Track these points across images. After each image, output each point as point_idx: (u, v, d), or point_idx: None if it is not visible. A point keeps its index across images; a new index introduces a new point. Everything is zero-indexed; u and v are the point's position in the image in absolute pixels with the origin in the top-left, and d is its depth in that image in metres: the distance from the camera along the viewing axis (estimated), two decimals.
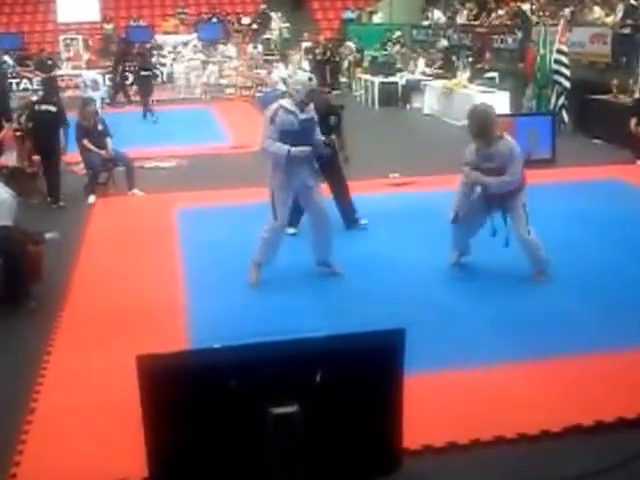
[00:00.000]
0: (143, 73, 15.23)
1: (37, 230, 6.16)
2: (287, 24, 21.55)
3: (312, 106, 5.79)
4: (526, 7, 16.90)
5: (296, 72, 17.53)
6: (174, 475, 2.28)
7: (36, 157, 8.73)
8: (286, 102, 5.72)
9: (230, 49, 19.50)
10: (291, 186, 5.73)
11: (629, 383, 4.25)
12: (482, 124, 5.54)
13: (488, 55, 13.48)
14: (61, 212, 8.39)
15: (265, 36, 20.19)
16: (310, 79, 5.81)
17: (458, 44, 18.37)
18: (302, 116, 5.63)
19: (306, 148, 5.60)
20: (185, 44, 19.72)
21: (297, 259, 6.44)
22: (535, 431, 3.81)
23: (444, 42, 17.47)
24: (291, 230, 6.97)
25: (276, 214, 5.75)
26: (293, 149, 5.55)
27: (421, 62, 16.12)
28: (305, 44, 19.19)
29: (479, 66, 15.72)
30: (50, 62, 16.40)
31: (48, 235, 6.08)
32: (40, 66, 16.21)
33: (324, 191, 7.07)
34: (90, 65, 15.73)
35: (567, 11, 15.87)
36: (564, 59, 12.45)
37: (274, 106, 5.69)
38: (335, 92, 17.80)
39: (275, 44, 19.86)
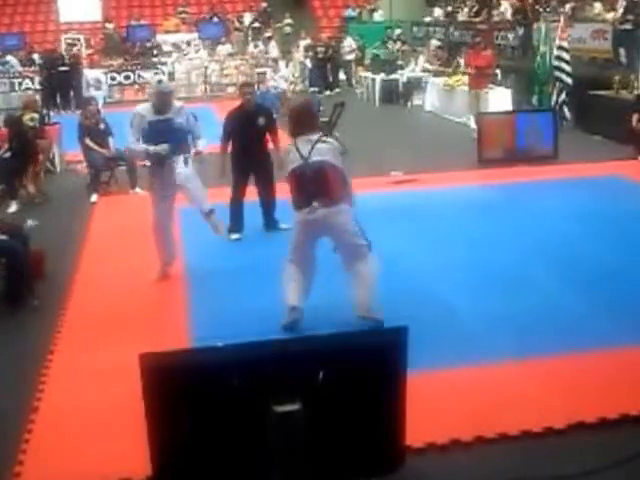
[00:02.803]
0: None
1: (41, 230, 6.28)
2: (290, 20, 21.56)
3: (170, 109, 6.05)
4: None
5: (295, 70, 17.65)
6: (177, 472, 2.30)
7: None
8: (143, 107, 6.13)
9: (231, 48, 19.52)
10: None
11: (632, 380, 4.26)
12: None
13: (489, 51, 13.46)
14: (64, 210, 8.39)
15: (266, 34, 20.19)
16: (159, 82, 6.28)
17: (459, 41, 18.38)
18: (153, 118, 5.95)
19: (164, 146, 5.88)
20: (186, 43, 19.74)
21: None
22: (538, 428, 3.81)
23: (435, 42, 17.45)
24: (235, 236, 7.17)
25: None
26: (151, 147, 5.91)
27: (422, 59, 16.12)
28: (303, 42, 19.18)
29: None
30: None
31: (28, 223, 6.22)
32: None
33: (251, 192, 7.31)
34: (92, 64, 15.76)
35: (567, 7, 15.89)
36: (565, 55, 12.43)
37: (133, 112, 6.13)
38: (336, 90, 17.89)
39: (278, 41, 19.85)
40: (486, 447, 3.71)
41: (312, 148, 5.01)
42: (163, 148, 5.90)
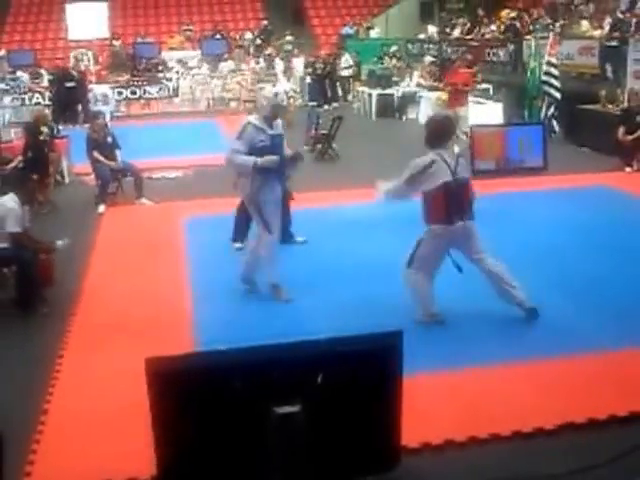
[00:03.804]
0: None
1: (48, 238, 6.24)
2: (290, 37, 21.89)
3: (279, 121, 5.76)
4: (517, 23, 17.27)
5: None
6: (182, 472, 2.36)
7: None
8: (253, 118, 5.72)
9: (233, 64, 19.74)
10: (275, 197, 5.73)
11: (618, 381, 4.33)
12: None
13: (468, 69, 13.35)
14: (73, 221, 8.49)
15: (267, 51, 20.53)
16: (276, 94, 5.77)
17: (452, 57, 18.49)
18: (271, 132, 5.62)
19: (274, 157, 5.54)
20: (190, 60, 19.97)
21: (298, 265, 6.57)
22: (529, 429, 3.86)
23: (429, 57, 17.82)
24: (237, 245, 7.04)
25: (270, 228, 5.66)
26: (260, 159, 5.49)
27: (416, 75, 16.44)
28: (295, 59, 19.48)
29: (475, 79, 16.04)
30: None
31: (59, 243, 6.17)
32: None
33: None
34: (100, 80, 16.05)
35: (557, 25, 16.21)
36: (554, 71, 12.65)
37: (243, 122, 5.68)
38: (334, 104, 18.26)
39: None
40: (479, 447, 3.75)
41: (457, 163, 5.08)
42: (274, 160, 5.58)
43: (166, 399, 2.19)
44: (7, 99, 16.99)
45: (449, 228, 5.09)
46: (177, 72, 18.81)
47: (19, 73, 17.99)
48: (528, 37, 15.47)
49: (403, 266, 5.33)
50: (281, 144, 5.72)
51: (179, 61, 19.61)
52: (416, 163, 5.13)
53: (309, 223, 7.67)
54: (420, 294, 5.29)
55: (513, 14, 18.53)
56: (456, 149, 5.23)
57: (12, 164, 9.20)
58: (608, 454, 3.49)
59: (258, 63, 19.59)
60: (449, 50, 19.38)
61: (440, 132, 5.19)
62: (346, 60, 19.52)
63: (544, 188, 9.22)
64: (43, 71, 18.51)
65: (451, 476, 3.57)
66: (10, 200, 5.87)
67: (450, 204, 5.06)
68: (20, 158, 9.34)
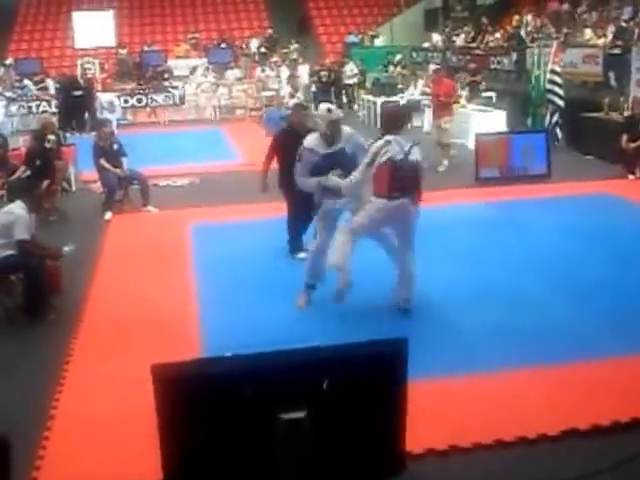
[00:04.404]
0: None
1: (55, 245, 6.25)
2: (295, 46, 22.00)
3: (345, 134, 5.73)
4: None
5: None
6: (188, 478, 2.34)
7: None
8: (311, 140, 5.72)
9: (239, 72, 19.82)
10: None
11: (622, 388, 4.35)
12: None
13: (450, 79, 12.83)
14: (79, 228, 8.53)
15: (273, 59, 20.64)
16: (329, 110, 5.70)
17: (456, 65, 18.64)
18: (323, 151, 5.62)
19: (331, 177, 5.55)
20: (196, 68, 20.02)
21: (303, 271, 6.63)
22: (533, 435, 3.88)
23: (433, 66, 17.85)
24: (302, 254, 6.90)
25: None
26: (322, 179, 5.56)
27: (420, 83, 16.49)
28: (301, 67, 19.55)
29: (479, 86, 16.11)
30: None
31: (66, 249, 6.17)
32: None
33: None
34: (106, 88, 16.14)
35: (561, 33, 16.23)
36: (558, 79, 12.69)
37: (301, 147, 5.74)
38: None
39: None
40: (483, 453, 3.77)
41: (411, 148, 5.35)
42: (336, 178, 5.55)
43: (172, 405, 2.20)
44: (14, 107, 17.08)
45: (389, 204, 5.28)
46: (183, 80, 18.89)
47: (26, 81, 18.07)
48: (532, 44, 15.49)
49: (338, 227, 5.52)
50: (339, 159, 5.65)
51: (185, 69, 19.68)
52: (374, 146, 5.35)
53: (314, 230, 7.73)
54: (335, 246, 5.44)
55: (529, 16, 18.45)
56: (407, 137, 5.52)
57: (16, 175, 9.20)
58: (611, 460, 3.51)
59: (264, 71, 19.68)
60: (454, 58, 19.47)
61: (394, 119, 5.59)
62: (351, 68, 19.61)
63: (548, 196, 9.26)
64: (49, 80, 18.57)
65: None
66: (18, 207, 5.92)
67: (394, 180, 5.24)
68: (23, 168, 9.35)
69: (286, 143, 6.85)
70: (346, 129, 5.81)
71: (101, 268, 7.08)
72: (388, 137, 5.34)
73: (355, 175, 5.40)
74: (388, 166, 5.23)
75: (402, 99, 16.45)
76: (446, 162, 11.38)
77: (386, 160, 5.23)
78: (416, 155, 5.40)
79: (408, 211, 5.38)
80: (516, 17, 18.78)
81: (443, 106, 11.49)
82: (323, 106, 5.71)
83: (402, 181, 5.28)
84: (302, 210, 6.78)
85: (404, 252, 5.55)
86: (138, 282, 6.61)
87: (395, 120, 5.56)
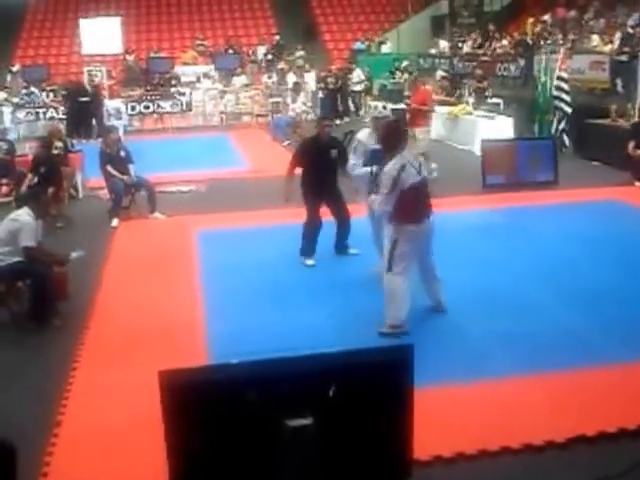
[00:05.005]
0: None
1: (62, 251, 6.29)
2: (302, 52, 22.06)
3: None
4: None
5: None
6: None
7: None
8: (363, 134, 6.61)
9: (246, 79, 19.84)
10: None
11: (629, 394, 4.36)
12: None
13: (426, 87, 12.66)
14: (86, 234, 8.56)
15: (279, 66, 20.68)
16: (380, 112, 6.33)
17: (462, 72, 18.67)
18: (372, 146, 6.23)
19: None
20: (203, 74, 20.04)
21: (311, 277, 6.69)
22: (540, 442, 3.88)
23: (440, 72, 17.87)
24: (310, 261, 7.13)
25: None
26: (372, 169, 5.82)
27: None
28: (307, 74, 19.55)
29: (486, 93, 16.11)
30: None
31: (74, 254, 6.21)
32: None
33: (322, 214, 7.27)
34: (113, 94, 16.19)
35: (567, 40, 16.21)
36: (564, 85, 12.70)
37: (354, 139, 6.70)
38: (345, 119, 18.36)
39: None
40: (490, 460, 3.77)
41: (420, 163, 5.47)
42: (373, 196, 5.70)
43: (179, 412, 2.19)
44: (21, 114, 17.17)
45: (420, 226, 5.30)
46: (190, 87, 18.94)
47: (32, 88, 18.11)
48: (541, 45, 15.42)
49: (382, 273, 5.43)
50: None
51: (192, 76, 19.73)
52: (390, 173, 5.21)
53: (322, 237, 7.70)
54: (398, 299, 5.29)
55: (545, 17, 18.41)
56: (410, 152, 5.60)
57: (25, 184, 9.24)
58: (619, 467, 3.51)
59: (270, 78, 19.72)
60: (460, 65, 19.49)
61: (394, 137, 5.39)
62: (358, 75, 19.64)
63: (554, 202, 9.28)
64: (56, 88, 18.63)
65: None
66: (24, 214, 5.95)
67: (420, 203, 5.30)
68: (30, 175, 9.39)
69: (309, 152, 7.21)
70: None
71: (108, 274, 7.10)
72: (400, 159, 5.23)
73: (379, 208, 5.40)
74: (412, 192, 5.21)
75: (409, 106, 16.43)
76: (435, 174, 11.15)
77: (409, 187, 5.19)
78: (424, 170, 5.50)
79: (433, 226, 5.47)
80: (531, 19, 18.69)
81: (419, 115, 11.21)
82: (375, 104, 6.22)
83: (425, 201, 5.38)
84: (317, 217, 7.13)
85: (428, 257, 5.62)
86: (145, 288, 6.63)
87: (397, 138, 5.41)
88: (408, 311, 5.31)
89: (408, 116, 11.71)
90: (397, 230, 5.26)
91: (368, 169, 6.11)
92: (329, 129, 7.43)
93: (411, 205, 5.21)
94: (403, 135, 5.57)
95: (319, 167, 7.12)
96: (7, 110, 15.76)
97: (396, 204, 5.20)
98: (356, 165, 6.62)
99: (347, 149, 11.97)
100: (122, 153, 9.44)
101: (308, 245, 7.21)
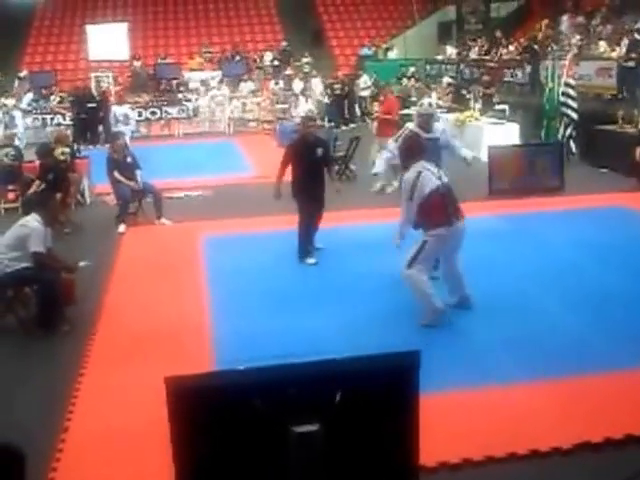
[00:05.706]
0: None
1: (69, 258, 6.34)
2: (308, 59, 22.12)
3: (438, 126, 7.23)
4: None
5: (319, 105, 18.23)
6: None
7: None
8: (412, 125, 7.15)
9: (252, 85, 19.91)
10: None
11: (635, 401, 4.36)
12: None
13: (393, 96, 12.56)
14: (93, 240, 8.63)
15: (286, 72, 20.72)
16: (420, 104, 7.34)
17: (470, 78, 18.69)
18: (426, 135, 6.78)
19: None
20: (210, 80, 20.08)
21: (316, 282, 6.71)
22: (546, 448, 3.89)
23: (447, 79, 17.87)
24: (312, 260, 7.32)
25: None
26: None
27: (434, 96, 16.48)
28: (314, 80, 19.59)
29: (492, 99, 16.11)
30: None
31: (82, 264, 6.27)
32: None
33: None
34: (120, 100, 16.25)
35: (574, 45, 16.22)
36: (571, 92, 12.71)
37: (404, 127, 7.29)
38: (352, 125, 18.39)
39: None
40: (496, 466, 3.78)
41: (438, 171, 5.68)
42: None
43: (185, 418, 2.19)
44: (28, 120, 17.22)
45: (450, 229, 5.50)
46: (197, 93, 18.99)
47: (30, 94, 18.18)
48: (548, 51, 15.38)
49: (402, 268, 5.60)
50: (432, 147, 6.48)
51: (199, 82, 19.79)
52: (407, 181, 5.56)
53: (326, 242, 7.77)
54: (426, 292, 5.56)
55: (566, 16, 18.41)
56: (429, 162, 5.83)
57: (32, 189, 9.29)
58: (624, 474, 3.51)
59: (277, 84, 19.75)
60: (467, 71, 19.50)
61: (412, 149, 5.81)
62: (364, 81, 19.67)
63: (561, 208, 9.29)
64: (61, 94, 18.68)
65: None
66: (33, 220, 5.98)
67: (447, 206, 5.53)
68: (38, 182, 9.44)
69: (297, 153, 7.39)
70: (439, 125, 7.36)
71: (115, 280, 7.14)
72: (417, 167, 5.55)
73: (404, 210, 5.66)
74: (435, 197, 5.47)
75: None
76: (396, 183, 10.01)
77: (429, 193, 5.46)
78: (443, 174, 5.70)
79: (464, 229, 5.66)
80: (544, 22, 18.68)
81: (386, 124, 11.04)
82: (425, 101, 7.71)
83: (453, 204, 5.60)
84: (310, 216, 7.36)
85: (454, 254, 5.79)
86: (151, 294, 6.66)
87: (415, 149, 5.80)
88: (438, 297, 5.58)
89: (375, 125, 11.90)
90: (427, 234, 5.52)
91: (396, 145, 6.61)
92: (313, 129, 7.73)
93: (438, 210, 5.47)
94: (421, 147, 5.89)
95: (307, 166, 7.30)
96: (19, 115, 15.82)
97: (421, 211, 5.52)
98: (391, 152, 7.04)
99: (352, 155, 12.10)
100: (129, 159, 9.47)
101: (305, 245, 7.39)
